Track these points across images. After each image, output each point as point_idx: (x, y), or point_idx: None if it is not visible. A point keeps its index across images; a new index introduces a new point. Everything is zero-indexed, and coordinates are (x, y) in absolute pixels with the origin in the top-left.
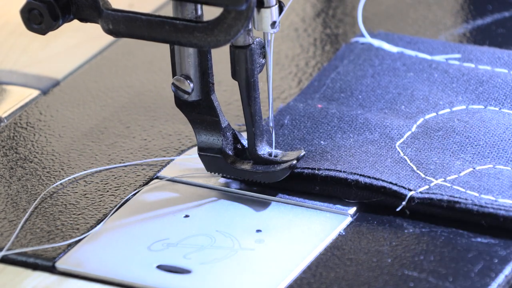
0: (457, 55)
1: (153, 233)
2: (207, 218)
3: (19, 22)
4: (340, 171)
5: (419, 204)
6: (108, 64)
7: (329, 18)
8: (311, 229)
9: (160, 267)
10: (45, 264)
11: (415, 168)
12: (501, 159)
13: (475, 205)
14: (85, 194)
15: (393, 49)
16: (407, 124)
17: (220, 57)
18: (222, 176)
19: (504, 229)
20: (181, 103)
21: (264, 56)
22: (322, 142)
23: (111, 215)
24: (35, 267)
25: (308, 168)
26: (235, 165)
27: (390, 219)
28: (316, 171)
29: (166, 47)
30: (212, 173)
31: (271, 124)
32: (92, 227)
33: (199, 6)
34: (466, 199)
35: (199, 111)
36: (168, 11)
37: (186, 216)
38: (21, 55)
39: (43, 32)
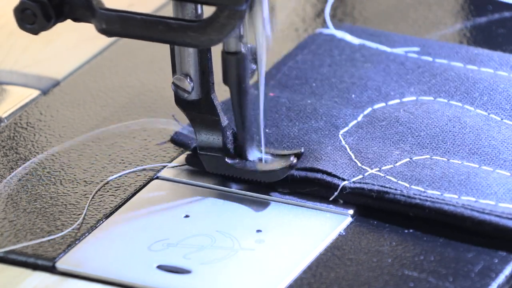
0: (416, 48)
1: (153, 233)
2: (207, 218)
3: None
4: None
5: (350, 194)
6: (108, 64)
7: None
8: (311, 229)
9: (160, 267)
10: (45, 264)
11: (353, 157)
12: (438, 150)
13: (403, 195)
14: (85, 194)
15: (355, 40)
16: (354, 113)
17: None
18: (222, 176)
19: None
20: (181, 102)
21: (256, 62)
22: (267, 130)
23: (111, 215)
24: (35, 267)
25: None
26: (235, 164)
27: (390, 219)
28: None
29: (166, 47)
30: (212, 172)
31: (261, 129)
32: (92, 227)
33: (199, 6)
34: (395, 190)
35: (199, 110)
36: (168, 11)
37: (186, 216)
38: (21, 55)
39: (35, 32)
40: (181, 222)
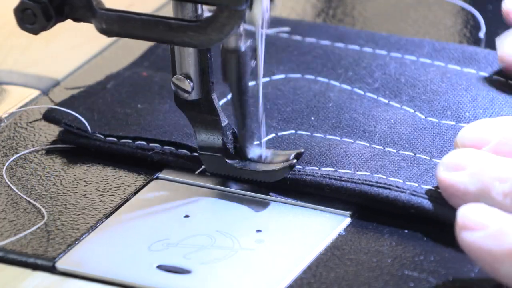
0: (287, 28)
1: (153, 233)
2: (207, 218)
3: None
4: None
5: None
6: (108, 64)
7: (329, 18)
8: (311, 229)
9: (160, 267)
10: (45, 264)
11: None
12: (303, 125)
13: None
14: (85, 194)
15: None
16: (224, 92)
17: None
18: (223, 176)
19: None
20: (181, 102)
21: (255, 58)
22: (139, 105)
23: (111, 215)
24: (35, 267)
25: (121, 137)
26: (235, 164)
27: (390, 219)
28: (126, 140)
29: (166, 47)
30: (212, 173)
31: (261, 125)
32: (92, 227)
33: (199, 6)
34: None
35: (199, 110)
36: (168, 11)
37: (186, 216)
38: (21, 55)
39: (36, 32)
40: (181, 222)
